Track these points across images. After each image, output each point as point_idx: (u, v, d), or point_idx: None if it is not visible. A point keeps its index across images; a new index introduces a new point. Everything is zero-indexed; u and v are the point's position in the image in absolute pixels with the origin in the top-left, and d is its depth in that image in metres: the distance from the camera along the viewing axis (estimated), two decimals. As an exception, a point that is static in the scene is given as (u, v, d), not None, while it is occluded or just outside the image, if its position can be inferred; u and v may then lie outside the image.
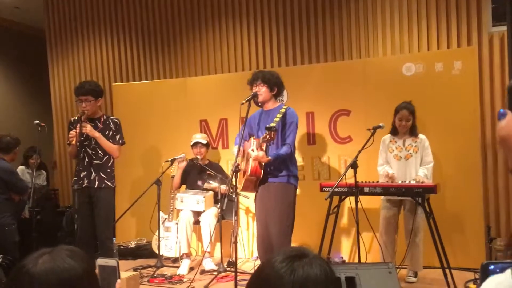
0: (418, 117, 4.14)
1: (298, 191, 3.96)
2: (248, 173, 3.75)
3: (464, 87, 4.46)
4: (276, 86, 3.88)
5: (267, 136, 3.50)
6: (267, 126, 3.56)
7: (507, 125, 0.70)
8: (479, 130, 4.55)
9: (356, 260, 3.96)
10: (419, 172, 3.96)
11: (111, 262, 1.77)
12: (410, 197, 3.84)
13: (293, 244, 4.11)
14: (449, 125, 4.49)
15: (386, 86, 4.68)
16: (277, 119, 3.76)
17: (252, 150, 3.69)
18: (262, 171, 3.74)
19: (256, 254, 5.11)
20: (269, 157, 3.68)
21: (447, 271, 3.73)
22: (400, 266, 4.04)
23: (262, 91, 3.85)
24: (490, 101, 4.89)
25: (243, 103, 3.75)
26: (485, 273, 1.30)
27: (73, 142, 4.01)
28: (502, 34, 4.87)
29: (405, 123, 4.00)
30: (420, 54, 4.96)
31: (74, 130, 4.04)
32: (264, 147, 3.70)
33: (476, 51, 4.66)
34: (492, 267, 1.28)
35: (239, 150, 3.81)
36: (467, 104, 4.46)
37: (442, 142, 4.45)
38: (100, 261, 1.78)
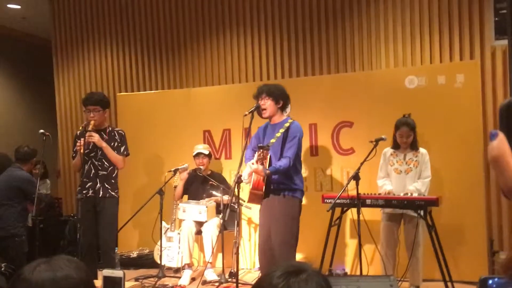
0: (420, 130, 4.15)
1: (300, 202, 3.95)
2: (251, 186, 3.76)
3: (467, 100, 4.48)
4: (281, 98, 3.89)
5: (261, 155, 3.56)
6: (259, 145, 3.66)
7: (498, 145, 0.72)
8: (482, 143, 4.55)
9: (358, 272, 3.96)
10: (411, 186, 3.96)
11: (117, 273, 1.77)
12: (412, 210, 3.84)
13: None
14: (452, 138, 4.50)
15: (389, 99, 4.70)
16: (279, 134, 3.78)
17: (253, 164, 3.71)
18: (265, 185, 3.74)
19: (257, 265, 5.11)
20: (268, 170, 3.69)
21: (449, 284, 3.72)
22: (402, 279, 4.03)
23: (268, 104, 3.86)
24: (493, 114, 4.89)
25: (246, 115, 3.77)
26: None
27: (81, 151, 4.03)
28: (505, 48, 4.89)
29: (406, 139, 4.01)
30: (423, 67, 4.98)
31: (81, 139, 4.07)
32: (267, 161, 3.71)
33: (478, 64, 4.68)
34: (490, 282, 1.29)
35: (241, 160, 3.82)
36: (470, 117, 4.47)
37: (444, 154, 4.45)
38: (106, 272, 1.79)
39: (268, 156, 3.75)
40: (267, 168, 3.69)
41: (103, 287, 1.76)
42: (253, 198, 3.82)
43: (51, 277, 1.13)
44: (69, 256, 1.24)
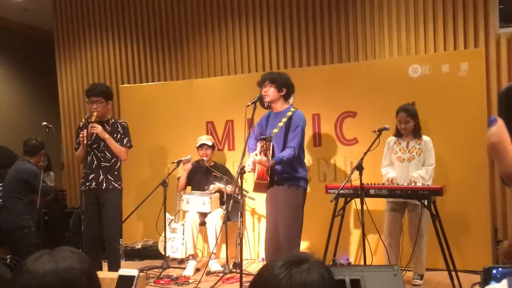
0: (424, 119, 4.13)
1: (304, 192, 3.95)
2: (255, 176, 3.77)
3: (471, 89, 4.45)
4: (284, 86, 3.88)
5: (264, 146, 3.56)
6: (262, 137, 3.66)
7: (497, 131, 0.71)
8: (486, 132, 4.52)
9: (362, 262, 3.96)
10: (415, 173, 3.95)
11: (132, 272, 1.81)
12: (416, 199, 3.83)
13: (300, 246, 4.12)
14: (456, 127, 4.47)
15: (392, 88, 4.67)
16: (281, 123, 3.77)
17: (256, 155, 3.71)
18: (269, 175, 3.75)
19: (261, 255, 5.12)
20: (272, 160, 3.69)
21: (453, 273, 3.72)
22: (406, 269, 4.03)
23: (270, 91, 3.86)
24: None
25: (248, 105, 3.76)
26: (487, 277, 1.30)
27: (84, 142, 4.04)
28: (510, 36, 4.85)
29: (405, 125, 3.99)
30: (427, 56, 4.94)
31: (84, 131, 4.08)
32: (270, 152, 3.71)
33: (483, 53, 4.64)
34: (494, 271, 1.28)
35: (244, 151, 3.82)
36: (474, 105, 4.44)
37: (448, 143, 4.43)
38: (122, 271, 1.83)
39: (271, 147, 3.75)
40: (270, 158, 3.69)
41: (117, 284, 1.79)
42: (258, 188, 3.84)
43: (53, 268, 1.13)
44: (72, 247, 1.24)
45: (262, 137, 3.67)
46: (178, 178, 5.01)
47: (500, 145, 0.69)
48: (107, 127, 4.23)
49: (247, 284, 3.88)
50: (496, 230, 4.68)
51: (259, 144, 3.76)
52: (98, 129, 4.06)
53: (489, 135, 0.68)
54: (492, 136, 0.68)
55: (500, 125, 0.69)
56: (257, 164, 3.75)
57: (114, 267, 4.19)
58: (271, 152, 3.73)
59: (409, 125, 3.99)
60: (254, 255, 5.24)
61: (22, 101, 8.43)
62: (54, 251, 1.19)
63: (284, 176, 3.79)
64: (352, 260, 4.74)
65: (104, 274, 3.28)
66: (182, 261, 4.95)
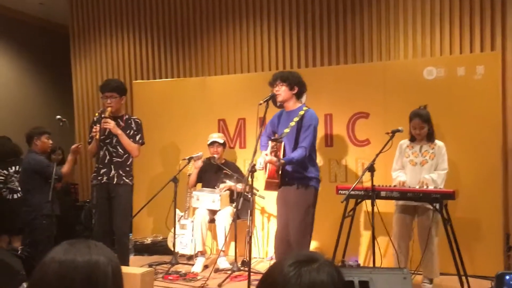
0: (438, 122, 4.09)
1: (314, 192, 3.93)
2: (266, 175, 3.77)
3: (486, 92, 4.39)
4: (296, 85, 3.86)
5: (274, 147, 3.58)
6: (272, 138, 3.66)
7: None
8: (500, 136, 4.47)
9: (371, 264, 3.94)
10: (427, 175, 3.90)
11: None
12: (428, 203, 3.80)
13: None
14: (470, 131, 4.42)
15: (406, 90, 4.63)
16: (293, 123, 3.76)
17: (266, 155, 3.70)
18: (279, 174, 3.74)
19: (270, 254, 5.12)
20: (282, 161, 3.68)
21: (464, 278, 3.68)
22: (415, 272, 3.99)
23: (282, 90, 3.85)
24: (513, 107, 4.80)
25: (261, 104, 3.75)
26: (500, 283, 1.29)
27: (96, 136, 4.07)
28: (527, 39, 4.78)
29: (419, 131, 3.95)
30: (442, 58, 4.89)
31: (97, 125, 4.10)
32: (280, 153, 3.70)
33: (499, 56, 4.58)
34: (507, 277, 1.26)
35: (255, 149, 3.81)
36: (489, 109, 4.39)
37: (462, 147, 4.39)
38: None
39: (282, 146, 3.75)
40: (281, 158, 3.68)
41: None
42: (269, 186, 3.84)
43: (86, 258, 1.16)
44: (100, 242, 1.26)
45: (272, 138, 3.67)
46: (189, 175, 5.02)
47: None
48: (121, 123, 4.25)
49: (255, 282, 3.88)
50: (508, 235, 4.62)
51: (270, 144, 3.76)
52: (110, 124, 4.09)
53: None
54: None
55: None
56: (268, 163, 3.75)
57: (123, 261, 4.21)
58: (282, 153, 3.72)
59: (424, 130, 3.95)
60: (263, 253, 5.24)
61: (37, 94, 8.51)
62: (87, 241, 1.21)
63: (295, 176, 3.78)
64: (361, 262, 4.72)
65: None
66: (190, 258, 4.97)
